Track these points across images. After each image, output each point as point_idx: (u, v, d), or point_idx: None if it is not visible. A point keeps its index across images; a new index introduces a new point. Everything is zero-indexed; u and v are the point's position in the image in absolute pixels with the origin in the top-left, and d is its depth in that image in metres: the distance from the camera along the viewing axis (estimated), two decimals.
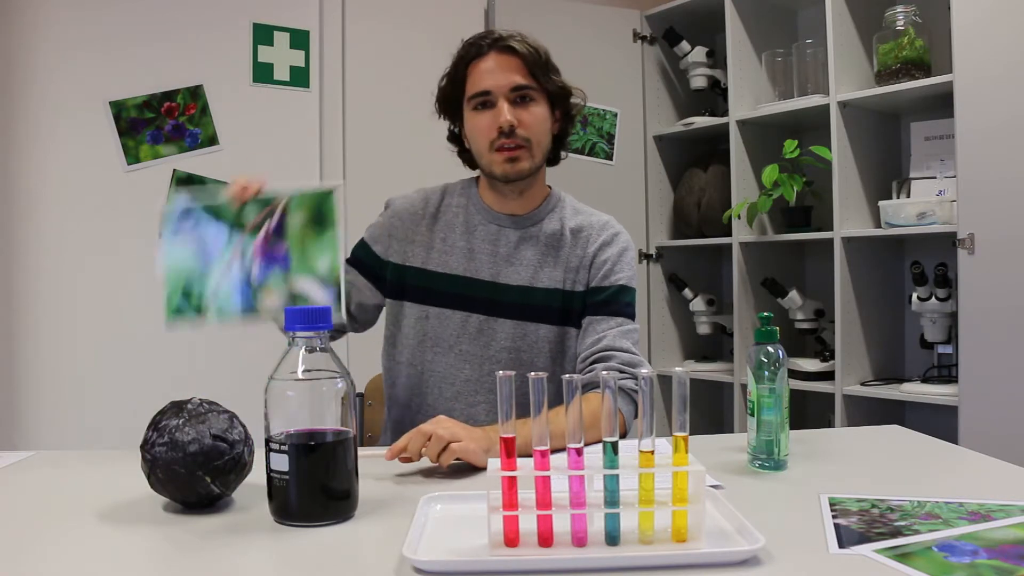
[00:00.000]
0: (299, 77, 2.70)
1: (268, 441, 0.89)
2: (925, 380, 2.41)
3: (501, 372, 0.78)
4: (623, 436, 1.34)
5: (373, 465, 1.11)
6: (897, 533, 0.82)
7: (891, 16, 2.45)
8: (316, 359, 0.90)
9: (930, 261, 2.33)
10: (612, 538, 0.78)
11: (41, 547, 0.83)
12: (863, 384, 2.54)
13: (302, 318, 0.90)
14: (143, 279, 2.47)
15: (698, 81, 3.07)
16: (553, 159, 1.50)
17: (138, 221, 2.48)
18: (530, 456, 0.79)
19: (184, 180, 1.19)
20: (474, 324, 1.42)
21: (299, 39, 2.70)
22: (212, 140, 2.57)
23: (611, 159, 3.11)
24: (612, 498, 0.78)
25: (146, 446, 0.93)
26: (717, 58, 3.05)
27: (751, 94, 2.87)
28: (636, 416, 1.18)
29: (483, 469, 1.08)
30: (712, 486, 0.99)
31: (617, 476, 0.78)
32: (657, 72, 3.20)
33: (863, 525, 0.84)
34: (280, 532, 0.87)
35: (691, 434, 0.81)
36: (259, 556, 0.82)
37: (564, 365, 1.43)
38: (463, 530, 0.84)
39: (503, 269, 1.43)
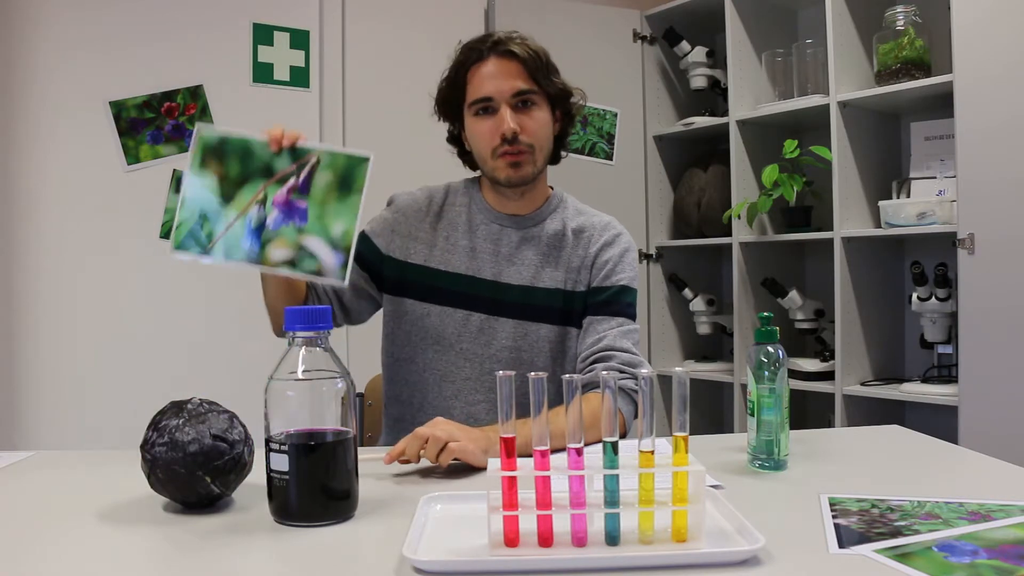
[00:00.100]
0: (299, 77, 2.70)
1: (268, 441, 0.89)
2: (925, 380, 2.41)
3: (501, 372, 0.78)
4: (623, 436, 1.34)
5: (373, 466, 1.11)
6: (897, 533, 0.82)
7: (891, 16, 2.45)
8: (316, 359, 0.90)
9: (930, 261, 2.33)
10: (612, 538, 0.78)
11: (41, 547, 0.83)
12: (863, 384, 2.54)
13: (302, 318, 0.90)
14: (143, 279, 2.50)
15: (698, 81, 3.07)
16: (554, 159, 1.50)
17: (138, 221, 2.48)
18: (530, 456, 0.79)
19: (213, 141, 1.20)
20: (475, 323, 1.42)
21: (299, 39, 2.70)
22: None
23: (611, 159, 3.11)
24: (612, 498, 0.78)
25: (146, 446, 0.93)
26: (717, 58, 3.05)
27: (751, 94, 2.87)
28: (636, 416, 1.18)
29: (483, 469, 1.08)
30: (712, 486, 0.99)
31: (617, 476, 0.78)
32: (657, 72, 3.20)
33: (863, 525, 0.84)
34: (280, 532, 0.87)
35: (691, 434, 0.81)
36: (259, 556, 0.82)
37: (564, 365, 1.43)
38: (463, 530, 0.84)
39: (505, 268, 1.44)
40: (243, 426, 0.97)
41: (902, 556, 0.75)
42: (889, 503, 0.92)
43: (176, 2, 2.53)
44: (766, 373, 1.07)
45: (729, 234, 2.86)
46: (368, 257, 1.45)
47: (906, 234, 2.44)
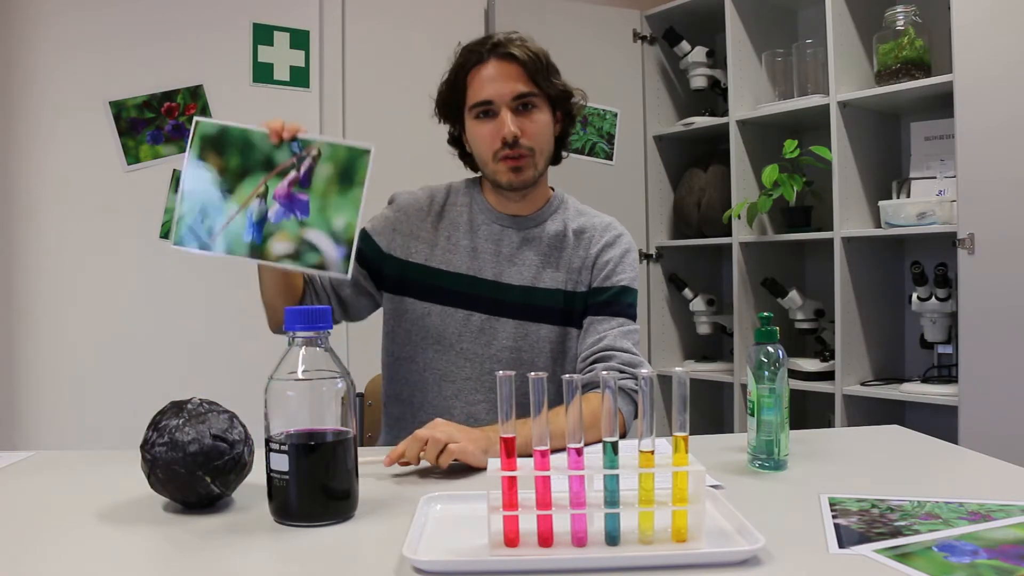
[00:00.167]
0: (299, 77, 2.70)
1: (268, 441, 0.89)
2: (925, 380, 2.41)
3: (501, 372, 0.78)
4: (623, 436, 1.34)
5: (373, 466, 1.11)
6: (897, 533, 0.82)
7: (891, 16, 2.45)
8: (316, 359, 0.90)
9: (930, 261, 2.33)
10: (612, 538, 0.78)
11: (41, 547, 0.83)
12: (863, 384, 2.54)
13: (302, 318, 0.90)
14: (143, 279, 2.50)
15: (698, 81, 3.07)
16: (554, 159, 1.49)
17: (138, 221, 2.48)
18: (530, 456, 0.79)
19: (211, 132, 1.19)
20: (476, 323, 1.42)
21: (299, 39, 2.70)
22: None
23: (611, 159, 3.11)
24: (612, 498, 0.78)
25: (146, 446, 0.93)
26: (717, 58, 3.05)
27: (751, 94, 2.87)
28: (636, 416, 1.18)
29: (483, 469, 1.08)
30: (712, 486, 0.99)
31: (617, 476, 0.78)
32: (657, 72, 3.20)
33: (863, 525, 0.84)
34: (280, 532, 0.87)
35: (691, 434, 0.81)
36: (259, 556, 0.82)
37: (564, 365, 1.43)
38: (463, 530, 0.84)
39: (506, 269, 1.44)
40: (243, 426, 0.97)
41: (902, 556, 0.75)
42: (889, 503, 0.92)
43: (176, 2, 2.54)
44: (766, 373, 1.07)
45: (729, 234, 2.86)
46: (368, 255, 1.45)
47: (906, 234, 2.44)
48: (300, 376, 0.89)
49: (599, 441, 0.80)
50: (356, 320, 1.51)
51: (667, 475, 0.78)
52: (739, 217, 2.79)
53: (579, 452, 0.79)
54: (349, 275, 1.19)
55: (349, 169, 1.20)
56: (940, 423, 2.26)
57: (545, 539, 0.78)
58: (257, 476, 0.95)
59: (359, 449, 0.95)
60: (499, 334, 1.42)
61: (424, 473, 1.10)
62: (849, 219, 2.53)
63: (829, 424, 2.65)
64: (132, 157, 2.49)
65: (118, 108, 2.47)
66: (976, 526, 0.83)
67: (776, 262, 2.88)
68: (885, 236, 2.51)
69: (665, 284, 3.20)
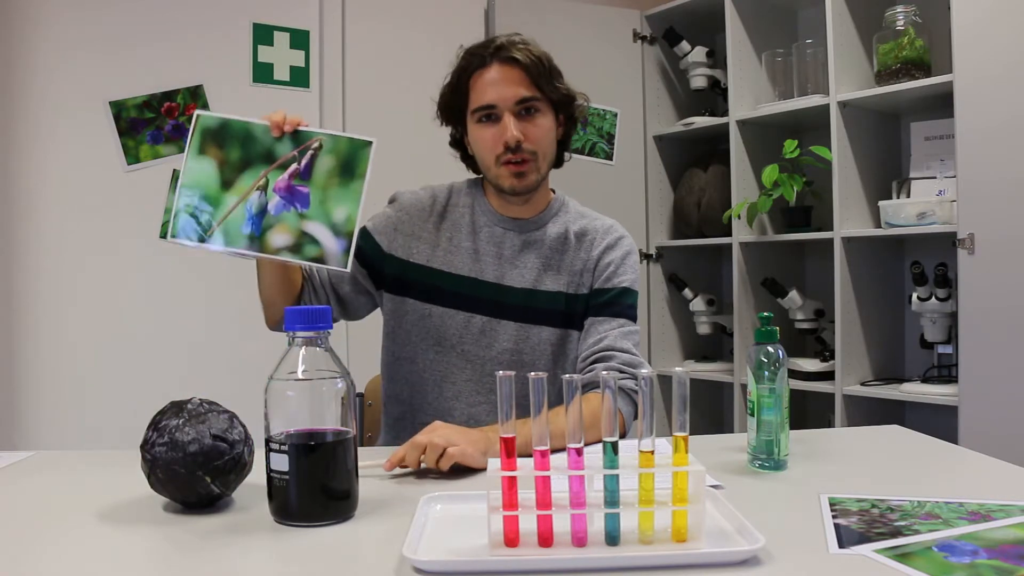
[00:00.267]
0: (299, 77, 2.70)
1: (268, 441, 0.89)
2: (925, 380, 2.41)
3: (501, 372, 0.78)
4: (623, 436, 1.34)
5: (374, 466, 1.11)
6: (897, 533, 0.82)
7: (891, 16, 2.45)
8: (316, 359, 0.90)
9: (930, 261, 2.33)
10: (612, 538, 0.78)
11: (41, 547, 0.83)
12: (863, 384, 2.54)
13: (302, 318, 0.90)
14: (143, 279, 2.50)
15: (698, 81, 3.07)
16: (557, 162, 1.49)
17: (138, 221, 2.48)
18: (530, 456, 0.79)
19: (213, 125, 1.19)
20: (477, 325, 1.42)
21: (299, 39, 2.70)
22: None
23: (611, 159, 3.11)
24: (612, 498, 0.78)
25: (146, 446, 0.93)
26: (717, 58, 3.05)
27: (751, 94, 2.87)
28: (636, 416, 1.18)
29: (483, 469, 1.08)
30: (712, 486, 0.99)
31: (617, 476, 0.78)
32: (657, 72, 3.20)
33: (863, 525, 0.84)
34: (280, 532, 0.87)
35: (691, 434, 0.81)
36: (259, 556, 0.82)
37: (565, 367, 1.43)
38: (463, 530, 0.84)
39: (508, 271, 1.43)
40: (243, 426, 0.97)
41: (902, 556, 0.75)
42: (889, 503, 0.92)
43: (176, 2, 2.54)
44: (766, 373, 1.07)
45: (729, 234, 2.86)
46: (369, 254, 1.45)
47: (906, 234, 2.44)
48: (300, 376, 0.89)
49: (599, 441, 0.80)
50: (355, 319, 1.50)
51: (667, 475, 0.78)
52: (739, 217, 2.79)
53: (579, 452, 0.79)
54: (348, 268, 1.19)
55: (350, 161, 1.20)
56: (940, 423, 2.26)
57: (545, 539, 0.78)
58: (257, 476, 0.95)
59: (359, 452, 0.95)
60: (500, 336, 1.42)
61: (424, 473, 1.10)
62: (849, 219, 2.53)
63: (829, 424, 2.65)
64: (132, 157, 2.49)
65: (118, 108, 2.47)
66: (976, 526, 0.83)
67: (776, 262, 2.88)
68: (885, 236, 2.51)
69: (665, 284, 3.20)
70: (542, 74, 1.38)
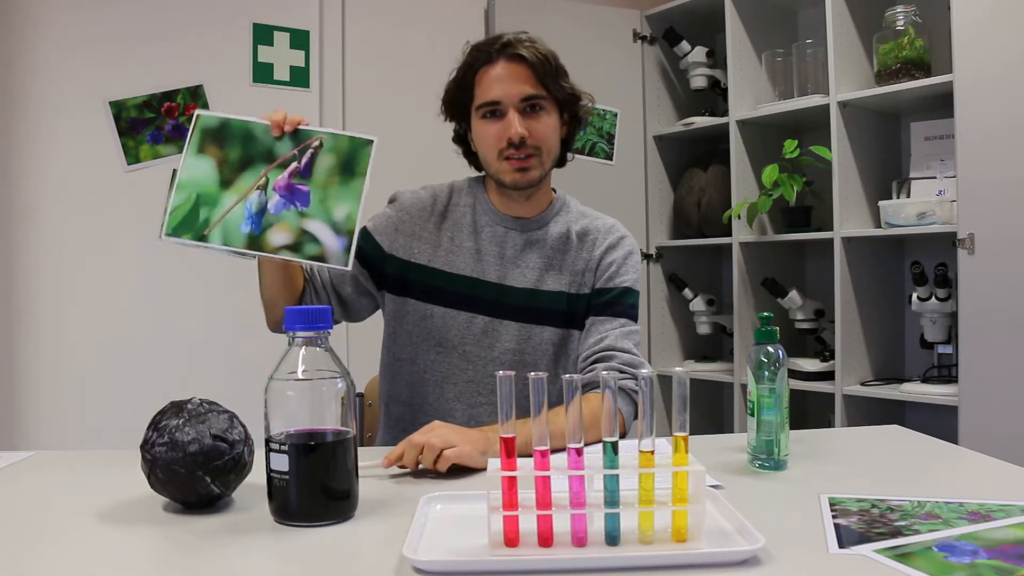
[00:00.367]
0: (299, 77, 2.70)
1: (268, 441, 0.89)
2: (925, 380, 2.41)
3: (501, 372, 0.78)
4: (623, 436, 1.34)
5: (373, 466, 1.11)
6: (897, 533, 0.82)
7: (891, 16, 2.45)
8: (316, 359, 0.90)
9: (930, 261, 2.33)
10: (612, 538, 0.78)
11: (41, 547, 0.83)
12: (863, 384, 2.54)
13: (302, 318, 0.90)
14: (143, 279, 2.50)
15: (698, 81, 3.07)
16: (559, 161, 1.49)
17: (138, 221, 2.48)
18: (530, 456, 0.79)
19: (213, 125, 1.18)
20: (479, 325, 1.42)
21: (299, 39, 2.70)
22: None
23: (611, 159, 3.11)
24: (612, 498, 0.78)
25: (146, 446, 0.93)
26: (717, 58, 3.05)
27: (751, 94, 2.87)
28: (636, 417, 1.18)
29: (483, 469, 1.08)
30: (712, 486, 0.99)
31: (617, 476, 0.78)
32: (657, 72, 3.20)
33: (863, 525, 0.84)
34: (280, 532, 0.87)
35: (691, 434, 0.81)
36: (259, 556, 0.82)
37: (567, 368, 1.43)
38: (463, 530, 0.84)
39: (510, 271, 1.43)
40: (243, 426, 0.97)
41: (902, 556, 0.75)
42: (889, 503, 0.92)
43: (176, 2, 2.53)
44: (766, 373, 1.07)
45: (729, 234, 2.86)
46: (369, 254, 1.44)
47: (906, 234, 2.44)
48: (300, 376, 0.89)
49: (599, 441, 0.80)
50: (356, 320, 1.50)
51: (667, 475, 0.78)
52: (739, 217, 2.79)
53: (579, 452, 0.79)
54: (349, 266, 1.18)
55: (351, 160, 1.19)
56: (940, 423, 2.26)
57: (545, 539, 0.78)
58: (257, 476, 0.95)
59: (359, 452, 0.95)
60: (502, 336, 1.42)
61: (423, 473, 1.10)
62: (849, 219, 2.53)
63: (829, 424, 2.65)
64: (132, 157, 2.49)
65: (118, 108, 2.47)
66: (976, 526, 0.83)
67: (776, 262, 2.88)
68: (885, 236, 2.51)
69: (665, 284, 3.20)
70: (548, 72, 1.38)
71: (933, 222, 2.33)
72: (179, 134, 2.52)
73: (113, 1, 2.46)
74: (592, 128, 3.06)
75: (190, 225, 1.17)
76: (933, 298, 2.33)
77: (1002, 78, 2.07)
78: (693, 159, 3.14)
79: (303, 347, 0.90)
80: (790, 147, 2.58)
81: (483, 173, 1.49)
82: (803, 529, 0.84)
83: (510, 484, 0.77)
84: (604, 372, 0.79)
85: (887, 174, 2.62)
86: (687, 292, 3.10)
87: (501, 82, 1.37)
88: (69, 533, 0.88)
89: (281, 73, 2.67)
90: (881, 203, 2.47)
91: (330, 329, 0.92)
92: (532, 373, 0.78)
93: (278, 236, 1.18)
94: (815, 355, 2.73)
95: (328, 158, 1.19)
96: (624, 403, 1.32)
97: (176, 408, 0.95)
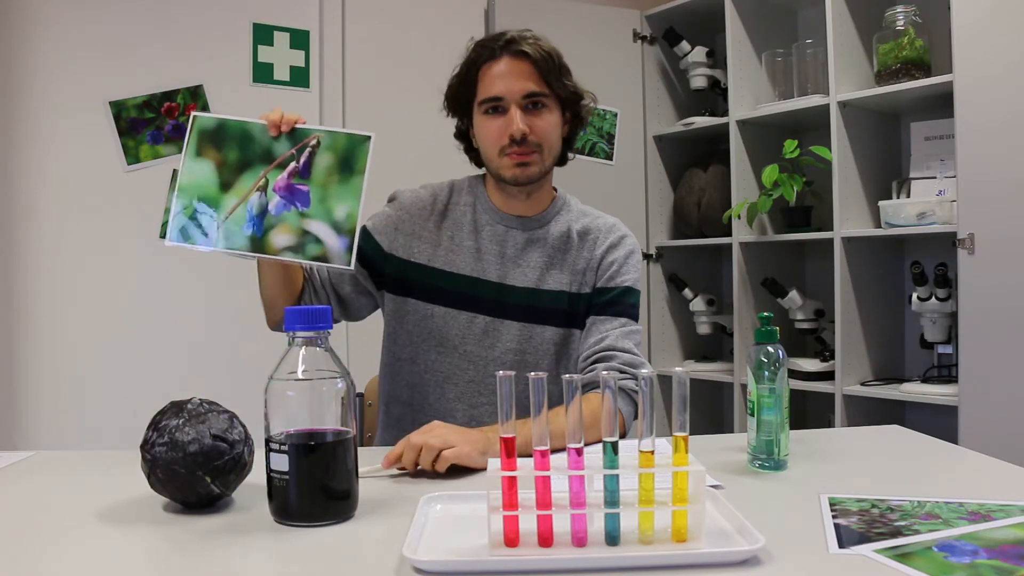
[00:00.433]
0: (299, 77, 2.70)
1: (268, 441, 0.89)
2: (925, 380, 2.41)
3: (501, 372, 0.78)
4: (623, 436, 1.34)
5: (372, 470, 1.11)
6: (897, 533, 0.82)
7: (891, 16, 2.45)
8: (316, 359, 0.90)
9: (930, 261, 2.33)
10: (612, 538, 0.78)
11: (41, 547, 0.83)
12: (863, 384, 2.54)
13: (302, 318, 0.90)
14: (143, 279, 2.50)
15: (698, 81, 3.07)
16: (561, 161, 1.49)
17: (138, 221, 2.48)
18: (530, 456, 0.79)
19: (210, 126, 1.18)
20: (480, 325, 1.42)
21: (299, 39, 2.70)
22: None
23: (611, 159, 3.11)
24: (612, 498, 0.78)
25: (146, 446, 0.93)
26: (717, 58, 3.05)
27: (751, 94, 2.87)
28: (636, 416, 1.18)
29: (483, 469, 1.08)
30: (712, 486, 0.99)
31: (617, 476, 0.78)
32: (657, 72, 3.20)
33: (863, 525, 0.84)
34: (280, 532, 0.87)
35: (691, 434, 0.81)
36: (259, 556, 0.82)
37: (568, 367, 1.43)
38: (463, 530, 0.84)
39: (510, 271, 1.43)
40: (243, 426, 0.97)
41: (902, 556, 0.75)
42: (889, 503, 0.92)
43: (176, 2, 2.53)
44: (766, 373, 1.07)
45: (729, 234, 2.86)
46: (369, 254, 1.44)
47: (906, 234, 2.44)
48: (300, 376, 0.89)
49: (599, 441, 0.80)
50: (356, 319, 1.50)
51: (667, 475, 0.78)
52: (739, 217, 2.79)
53: (579, 452, 0.79)
54: (352, 266, 1.18)
55: (349, 157, 1.19)
56: (940, 423, 2.26)
57: (545, 539, 0.78)
58: (257, 476, 0.95)
59: (359, 452, 0.95)
60: (503, 336, 1.41)
61: (423, 473, 1.10)
62: (849, 219, 2.53)
63: (829, 424, 2.65)
64: (132, 157, 2.49)
65: (118, 108, 2.47)
66: (976, 526, 0.83)
67: (776, 262, 2.88)
68: (885, 236, 2.51)
69: (665, 284, 3.20)
70: (551, 70, 1.38)
71: (933, 222, 2.33)
72: (179, 134, 2.52)
73: (113, 1, 2.46)
74: (592, 128, 3.06)
75: (192, 230, 1.17)
76: (933, 298, 2.33)
77: (1002, 78, 2.07)
78: (693, 159, 3.14)
79: (303, 347, 0.90)
80: (790, 147, 2.58)
81: (483, 171, 1.49)
82: (803, 529, 0.84)
83: (510, 484, 0.77)
84: (604, 372, 0.79)
85: (887, 174, 2.62)
86: (687, 292, 3.10)
87: (504, 78, 1.37)
88: (69, 533, 0.88)
89: (281, 73, 2.67)
90: (881, 203, 2.47)
91: (330, 329, 0.92)
92: (532, 373, 0.78)
93: (280, 237, 1.18)
94: (815, 355, 2.73)
95: (326, 156, 1.19)
96: (624, 403, 1.32)
97: (176, 408, 0.95)
